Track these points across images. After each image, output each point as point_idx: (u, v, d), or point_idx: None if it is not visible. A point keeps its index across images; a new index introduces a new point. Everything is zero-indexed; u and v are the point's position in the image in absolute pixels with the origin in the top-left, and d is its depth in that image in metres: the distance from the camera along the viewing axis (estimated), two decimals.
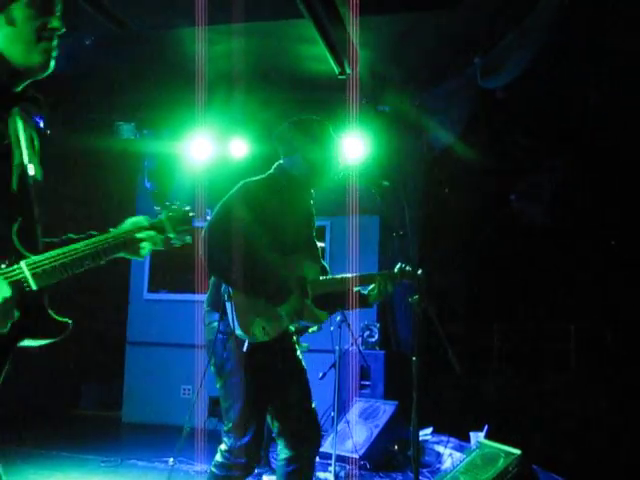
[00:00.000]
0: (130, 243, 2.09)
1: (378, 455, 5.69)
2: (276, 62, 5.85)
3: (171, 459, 5.65)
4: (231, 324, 2.84)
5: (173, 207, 2.31)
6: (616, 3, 4.46)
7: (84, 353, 7.73)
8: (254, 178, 3.06)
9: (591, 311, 6.98)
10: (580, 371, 7.01)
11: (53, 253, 1.84)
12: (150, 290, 8.32)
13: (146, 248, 2.15)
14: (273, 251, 2.96)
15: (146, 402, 7.85)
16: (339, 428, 5.62)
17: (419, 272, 3.19)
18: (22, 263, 1.76)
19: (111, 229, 2.10)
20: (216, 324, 2.96)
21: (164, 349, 7.99)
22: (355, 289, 3.19)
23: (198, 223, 2.46)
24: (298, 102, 6.27)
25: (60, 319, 1.89)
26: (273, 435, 3.16)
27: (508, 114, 6.08)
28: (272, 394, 3.00)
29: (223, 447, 2.93)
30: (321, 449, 5.67)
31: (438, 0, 4.76)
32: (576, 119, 6.00)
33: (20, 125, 1.94)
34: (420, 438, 5.74)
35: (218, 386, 3.00)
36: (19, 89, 1.91)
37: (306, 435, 3.07)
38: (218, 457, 2.94)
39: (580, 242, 6.95)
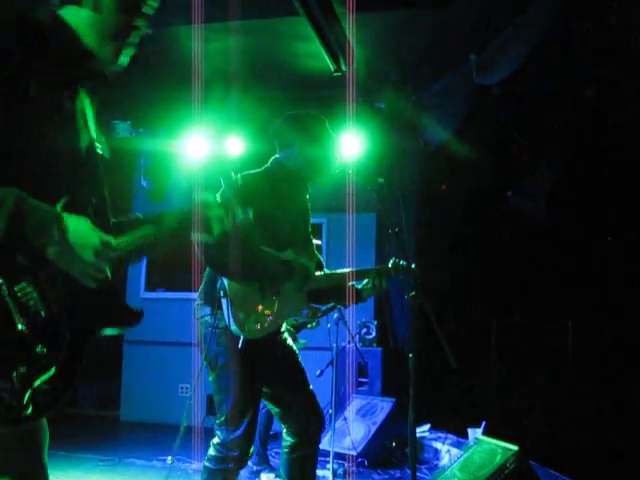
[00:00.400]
0: (202, 221, 2.00)
1: (376, 452, 5.70)
2: (272, 60, 5.85)
3: (169, 457, 5.65)
4: (226, 320, 2.85)
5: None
6: None
7: None
8: (250, 172, 3.07)
9: (589, 307, 6.98)
10: (578, 367, 7.01)
11: (127, 238, 1.80)
12: (147, 289, 8.31)
13: (216, 228, 2.04)
14: (268, 245, 2.97)
15: (144, 401, 7.85)
16: (337, 425, 5.62)
17: (412, 267, 3.21)
18: (102, 235, 1.70)
19: (183, 208, 2.01)
20: (207, 318, 2.98)
21: (162, 348, 7.98)
22: (349, 283, 3.21)
23: None
24: (294, 100, 6.26)
25: (133, 307, 1.86)
26: (278, 431, 3.20)
27: (504, 111, 6.08)
28: (266, 385, 3.03)
29: (216, 440, 2.96)
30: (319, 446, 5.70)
31: None
32: (573, 116, 6.01)
33: (87, 103, 1.90)
34: (418, 435, 5.79)
35: (211, 379, 3.03)
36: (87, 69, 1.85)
37: (307, 419, 3.12)
38: (211, 451, 2.97)
39: (578, 239, 6.95)
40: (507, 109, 6.05)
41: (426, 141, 6.74)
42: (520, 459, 3.87)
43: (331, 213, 7.18)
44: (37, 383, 1.55)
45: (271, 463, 5.41)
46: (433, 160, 6.88)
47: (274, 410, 3.16)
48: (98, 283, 1.70)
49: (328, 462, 5.18)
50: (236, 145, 6.67)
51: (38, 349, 1.56)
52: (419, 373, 3.10)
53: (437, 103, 6.16)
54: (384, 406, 5.99)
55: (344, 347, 6.23)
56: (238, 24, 5.00)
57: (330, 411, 5.42)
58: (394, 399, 6.01)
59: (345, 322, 5.31)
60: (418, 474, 5.20)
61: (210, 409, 6.76)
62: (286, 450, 3.12)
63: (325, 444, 5.55)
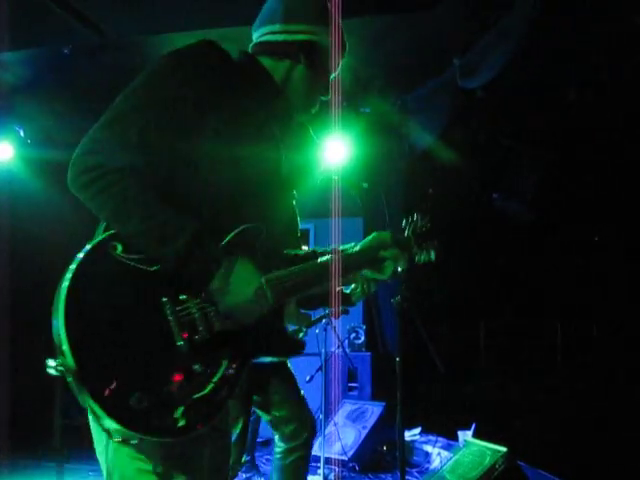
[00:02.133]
0: (374, 261, 2.02)
1: (367, 456, 5.71)
2: None
3: None
4: None
5: (417, 221, 2.24)
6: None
7: None
8: None
9: (577, 307, 7.02)
10: (566, 367, 7.05)
11: (296, 269, 1.81)
12: None
13: (389, 268, 2.05)
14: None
15: None
16: (327, 431, 5.62)
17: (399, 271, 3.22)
18: (262, 279, 1.71)
19: (355, 243, 2.04)
20: None
21: None
22: (338, 288, 3.21)
23: None
24: None
25: (295, 337, 1.86)
26: (267, 438, 3.19)
27: (489, 114, 6.12)
28: (257, 394, 3.03)
29: None
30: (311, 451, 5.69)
31: (416, 2, 4.78)
32: (557, 117, 6.05)
33: None
34: (408, 438, 5.79)
35: None
36: None
37: (300, 425, 3.11)
38: None
39: (564, 239, 7.00)
40: (491, 112, 6.08)
41: (411, 145, 6.76)
42: (509, 460, 3.89)
43: (318, 218, 7.18)
44: (191, 399, 1.56)
45: (260, 469, 5.40)
46: (419, 164, 6.90)
47: (265, 418, 3.16)
48: (253, 320, 1.70)
49: (319, 467, 5.18)
50: None
51: (196, 367, 1.58)
52: (408, 376, 3.11)
53: (422, 107, 6.19)
54: (374, 410, 6.00)
55: (333, 352, 6.23)
56: (223, 31, 5.00)
57: (320, 416, 5.42)
58: (384, 403, 6.02)
59: (333, 327, 5.32)
60: (409, 477, 5.22)
61: None
62: (279, 456, 3.13)
63: (315, 449, 5.54)
